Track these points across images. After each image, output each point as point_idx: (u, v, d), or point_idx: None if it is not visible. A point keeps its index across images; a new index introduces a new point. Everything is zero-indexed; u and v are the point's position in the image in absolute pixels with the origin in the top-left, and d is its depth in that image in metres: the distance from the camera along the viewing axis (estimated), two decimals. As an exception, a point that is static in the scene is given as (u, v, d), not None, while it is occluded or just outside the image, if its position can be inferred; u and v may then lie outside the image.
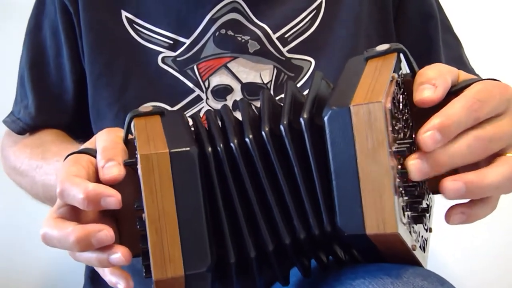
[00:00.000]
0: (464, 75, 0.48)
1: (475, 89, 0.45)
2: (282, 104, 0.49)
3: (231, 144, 0.47)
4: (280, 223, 0.47)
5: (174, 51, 0.72)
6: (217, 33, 0.71)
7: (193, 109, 0.71)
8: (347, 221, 0.44)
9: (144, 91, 0.72)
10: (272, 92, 0.71)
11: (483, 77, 0.50)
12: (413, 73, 0.48)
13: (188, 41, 0.71)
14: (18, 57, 0.81)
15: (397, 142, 0.44)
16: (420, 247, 0.48)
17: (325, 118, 0.43)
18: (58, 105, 0.78)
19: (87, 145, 0.52)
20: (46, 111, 0.78)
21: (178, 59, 0.71)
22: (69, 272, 1.11)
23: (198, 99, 0.71)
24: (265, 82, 0.72)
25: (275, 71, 0.72)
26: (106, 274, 0.47)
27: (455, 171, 0.45)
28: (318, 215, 0.47)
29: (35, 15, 0.79)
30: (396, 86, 0.46)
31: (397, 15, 0.75)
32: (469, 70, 0.79)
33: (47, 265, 1.18)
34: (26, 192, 0.76)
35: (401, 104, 0.47)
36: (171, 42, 0.71)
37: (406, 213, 0.45)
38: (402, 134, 0.46)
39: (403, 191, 0.44)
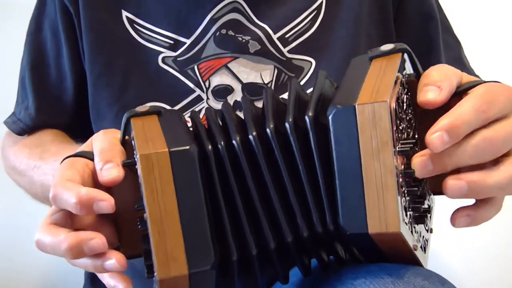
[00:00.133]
0: (466, 77, 0.48)
1: (481, 90, 0.44)
2: (285, 102, 0.49)
3: (233, 142, 0.47)
4: (282, 221, 0.47)
5: (175, 51, 0.72)
6: (218, 33, 0.71)
7: (193, 109, 0.71)
8: (349, 220, 0.44)
9: (144, 91, 0.72)
10: (272, 92, 0.71)
11: (483, 78, 0.50)
12: (417, 73, 0.48)
13: (188, 41, 0.71)
14: (18, 57, 0.81)
15: (401, 142, 0.44)
16: (421, 247, 0.48)
17: (330, 117, 0.43)
18: (58, 106, 0.78)
19: (83, 148, 0.52)
20: (46, 112, 0.78)
21: (178, 59, 0.71)
22: (69, 272, 1.11)
23: (198, 99, 0.71)
24: (266, 82, 0.72)
25: (276, 71, 0.72)
26: (105, 277, 0.47)
27: (457, 170, 0.45)
28: (322, 213, 0.47)
29: (36, 16, 0.79)
30: (401, 86, 0.46)
31: (397, 15, 0.75)
32: (469, 70, 0.79)
33: (47, 265, 1.18)
34: (25, 192, 0.76)
35: (405, 104, 0.47)
36: (172, 42, 0.71)
37: (408, 213, 0.45)
38: (405, 134, 0.46)
39: (405, 191, 0.44)
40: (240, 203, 0.47)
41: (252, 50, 0.71)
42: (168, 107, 0.71)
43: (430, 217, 0.52)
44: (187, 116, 0.69)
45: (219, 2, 0.70)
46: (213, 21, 0.71)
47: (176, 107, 0.71)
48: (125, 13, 0.73)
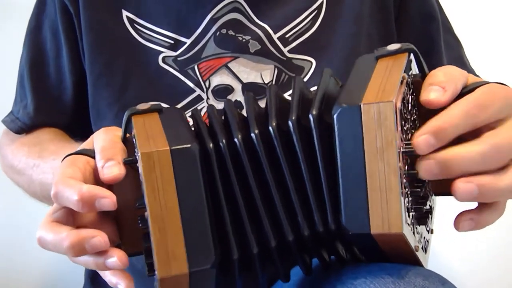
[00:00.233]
0: (472, 78, 0.48)
1: (477, 93, 0.44)
2: (288, 101, 0.49)
3: (235, 140, 0.47)
4: (284, 219, 0.47)
5: (175, 50, 0.72)
6: (218, 33, 0.71)
7: (193, 109, 0.71)
8: (352, 220, 0.43)
9: (144, 91, 0.72)
10: (273, 92, 0.71)
11: (483, 78, 0.50)
12: (423, 74, 0.48)
13: (188, 41, 0.71)
14: (18, 57, 0.81)
15: (405, 142, 0.44)
16: (422, 248, 0.48)
17: (335, 116, 0.43)
18: (57, 106, 0.78)
19: (84, 145, 0.52)
20: (44, 112, 0.78)
21: (178, 59, 0.71)
22: (69, 272, 1.11)
23: (198, 99, 0.71)
24: (266, 82, 0.72)
25: (276, 71, 0.72)
26: (107, 275, 0.47)
27: None
28: (323, 213, 0.47)
29: (36, 15, 0.79)
30: (406, 86, 0.46)
31: (398, 15, 0.75)
32: (469, 70, 0.79)
33: (47, 265, 1.18)
34: (23, 191, 0.76)
35: (410, 105, 0.47)
36: (172, 42, 0.71)
37: (410, 214, 0.44)
38: (410, 135, 0.46)
39: (408, 192, 0.44)
40: (241, 201, 0.47)
41: (252, 50, 0.71)
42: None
43: (431, 218, 0.52)
44: (188, 115, 0.69)
45: (219, 2, 0.70)
46: (213, 21, 0.71)
47: (176, 107, 0.71)
48: (125, 13, 0.73)
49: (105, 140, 0.49)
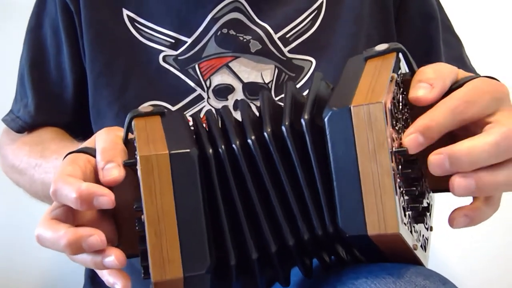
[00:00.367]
0: (463, 74, 0.48)
1: (464, 90, 0.44)
2: (282, 105, 0.49)
3: (233, 146, 0.47)
4: (283, 224, 0.47)
5: (176, 50, 0.72)
6: (219, 33, 0.71)
7: (194, 109, 0.71)
8: (348, 222, 0.43)
9: (144, 90, 0.72)
10: (273, 92, 0.72)
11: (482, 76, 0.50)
12: (412, 72, 0.48)
13: (189, 40, 0.71)
14: (18, 57, 0.81)
15: (398, 142, 0.44)
16: (421, 246, 0.48)
17: (326, 119, 0.43)
18: (57, 104, 0.77)
19: (86, 144, 0.52)
20: (45, 110, 0.78)
21: (179, 58, 0.71)
22: (69, 272, 1.11)
23: (199, 98, 0.71)
24: (266, 82, 0.72)
25: (276, 71, 0.72)
26: (104, 274, 0.47)
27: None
28: (321, 216, 0.47)
29: (36, 14, 0.79)
30: (396, 86, 0.46)
31: (398, 15, 0.75)
32: (470, 69, 0.79)
33: (47, 265, 1.18)
34: (24, 191, 0.76)
35: (400, 104, 0.47)
36: (173, 41, 0.71)
37: (407, 213, 0.44)
38: (402, 134, 0.46)
39: (403, 191, 0.44)
40: (240, 206, 0.47)
41: (253, 50, 0.71)
42: (168, 106, 0.70)
43: (430, 215, 0.52)
44: (188, 115, 0.69)
45: (220, 2, 0.70)
46: (214, 20, 0.71)
47: (177, 106, 0.71)
48: (126, 12, 0.73)
49: (106, 141, 0.49)
